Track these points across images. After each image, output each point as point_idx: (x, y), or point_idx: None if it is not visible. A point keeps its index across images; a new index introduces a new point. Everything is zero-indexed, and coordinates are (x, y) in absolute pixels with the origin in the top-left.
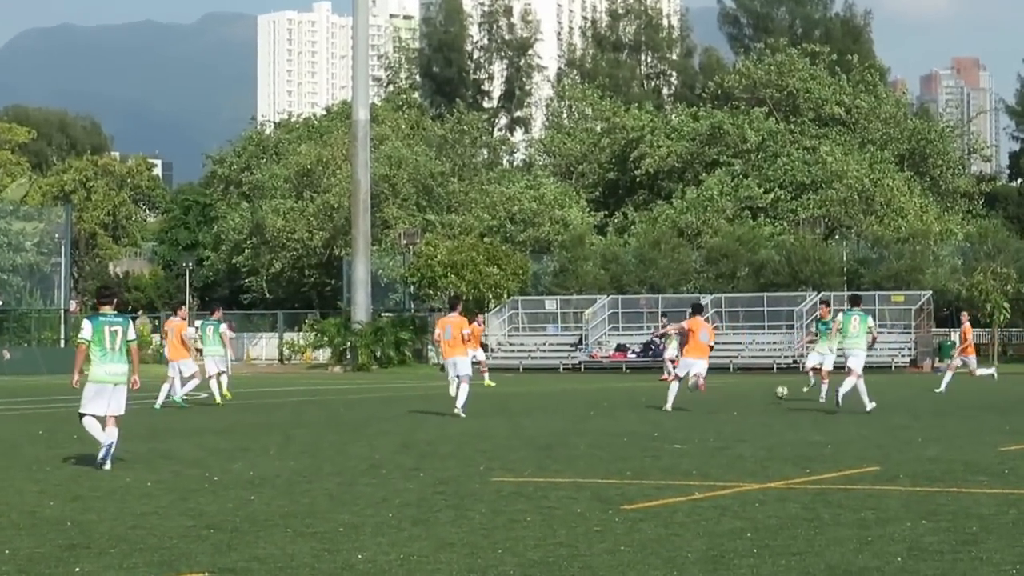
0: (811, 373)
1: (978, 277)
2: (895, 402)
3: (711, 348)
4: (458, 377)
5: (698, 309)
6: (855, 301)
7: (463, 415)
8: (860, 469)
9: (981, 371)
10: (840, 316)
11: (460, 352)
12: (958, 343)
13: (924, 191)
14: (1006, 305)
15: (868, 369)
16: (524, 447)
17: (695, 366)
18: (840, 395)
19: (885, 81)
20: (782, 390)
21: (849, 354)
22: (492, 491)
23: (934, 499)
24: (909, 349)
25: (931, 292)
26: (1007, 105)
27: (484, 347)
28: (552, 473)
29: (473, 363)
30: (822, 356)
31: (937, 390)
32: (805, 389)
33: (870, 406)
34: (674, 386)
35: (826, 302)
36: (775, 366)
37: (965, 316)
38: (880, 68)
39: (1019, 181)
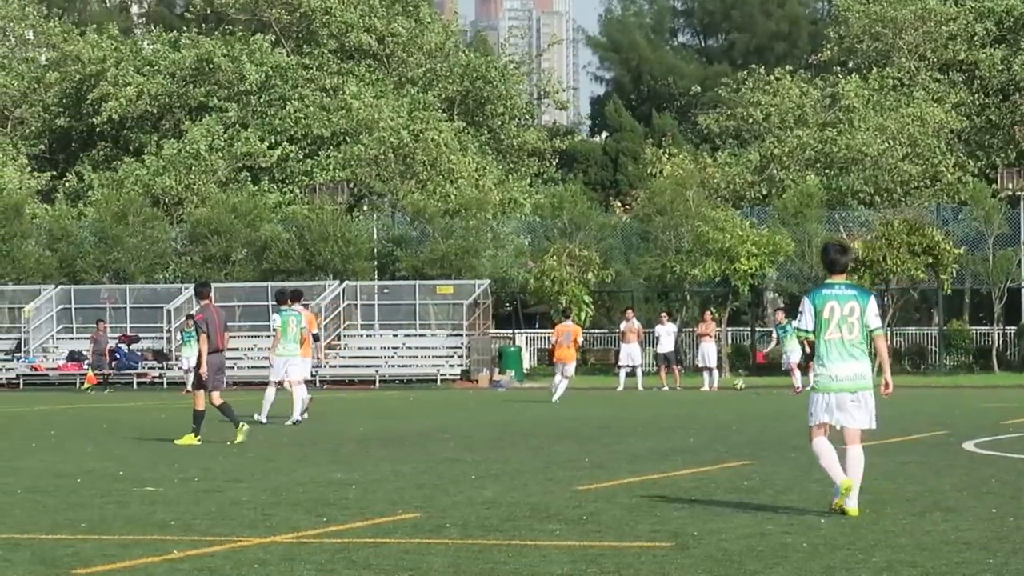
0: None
1: (550, 262)
2: (440, 427)
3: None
4: None
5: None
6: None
7: None
8: (395, 517)
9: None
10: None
11: None
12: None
13: (481, 148)
14: (587, 299)
15: (410, 384)
16: None
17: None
18: None
19: (430, 1)
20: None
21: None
22: None
23: (491, 555)
24: (460, 357)
25: (489, 282)
26: (588, 35)
27: None
28: None
29: None
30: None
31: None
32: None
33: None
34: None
35: (782, 309)
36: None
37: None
38: None
39: (604, 136)
